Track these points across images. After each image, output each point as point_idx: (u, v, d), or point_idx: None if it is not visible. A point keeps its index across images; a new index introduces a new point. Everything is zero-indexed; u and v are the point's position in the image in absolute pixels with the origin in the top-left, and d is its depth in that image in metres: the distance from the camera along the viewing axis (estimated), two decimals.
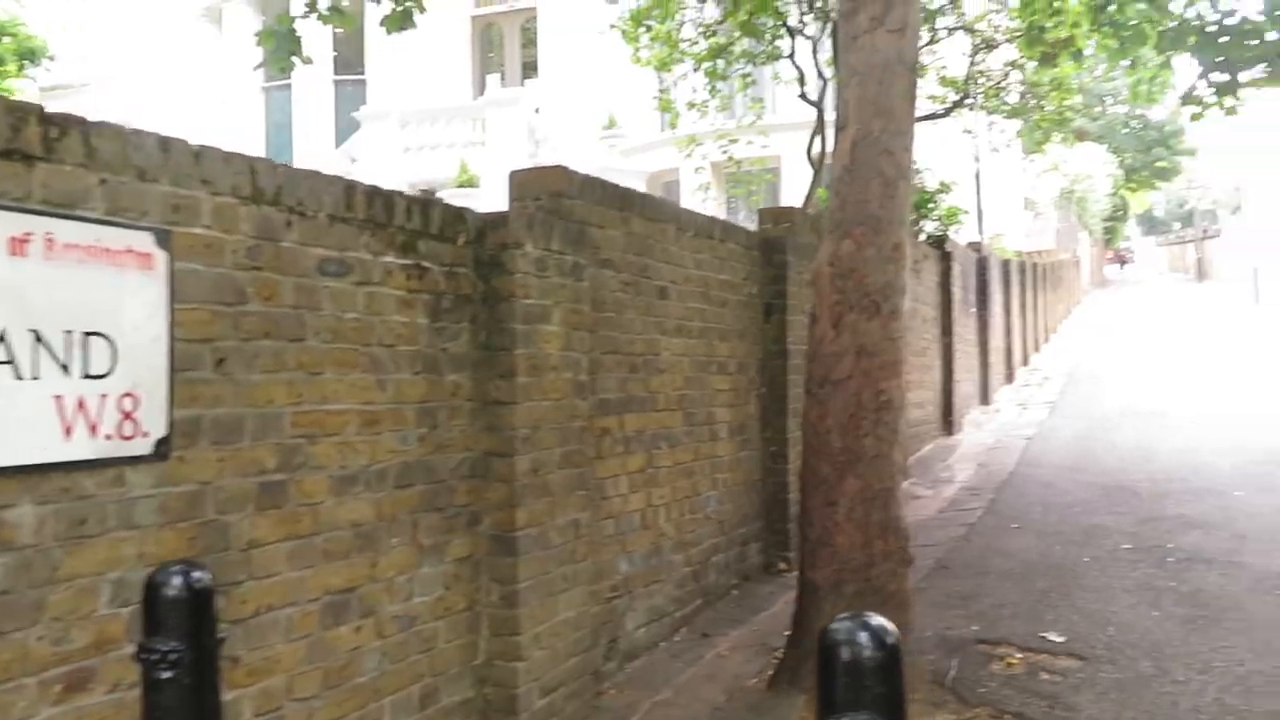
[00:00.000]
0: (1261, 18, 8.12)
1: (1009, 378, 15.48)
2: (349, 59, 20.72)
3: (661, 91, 10.88)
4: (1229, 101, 8.32)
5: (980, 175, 17.83)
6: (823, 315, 4.06)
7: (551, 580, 3.56)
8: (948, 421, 10.65)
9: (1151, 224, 76.13)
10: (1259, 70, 8.12)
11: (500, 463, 3.40)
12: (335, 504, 2.83)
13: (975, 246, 13.18)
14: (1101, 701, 3.70)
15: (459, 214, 3.42)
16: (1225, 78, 8.16)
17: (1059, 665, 4.06)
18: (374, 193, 3.05)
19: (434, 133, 18.33)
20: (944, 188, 10.88)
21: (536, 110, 16.76)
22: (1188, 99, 8.63)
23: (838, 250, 4.04)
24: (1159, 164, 51.69)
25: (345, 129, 20.40)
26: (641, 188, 14.00)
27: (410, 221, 3.16)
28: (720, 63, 10.25)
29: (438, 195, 8.62)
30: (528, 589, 3.41)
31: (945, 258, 10.63)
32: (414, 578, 3.13)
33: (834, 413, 3.94)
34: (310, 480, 2.75)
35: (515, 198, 3.98)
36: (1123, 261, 79.45)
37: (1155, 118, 53.16)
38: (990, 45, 10.61)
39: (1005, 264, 15.68)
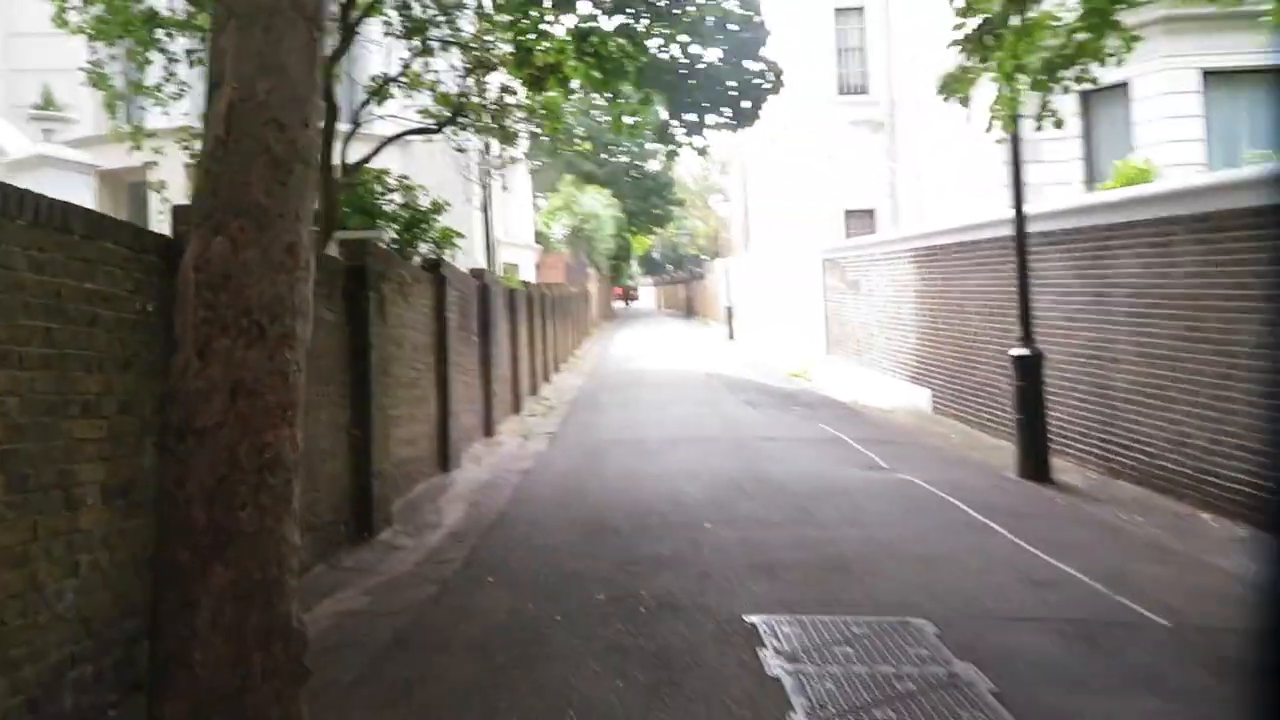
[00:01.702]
0: (722, 65, 8.61)
1: (515, 407, 15.36)
2: None
3: (92, 64, 8.80)
4: (698, 141, 8.69)
5: (489, 204, 17.86)
6: (185, 338, 2.91)
7: None
8: (443, 457, 9.91)
9: (650, 265, 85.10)
10: (723, 114, 8.57)
11: None
12: None
13: (478, 274, 12.75)
14: None
15: None
16: (694, 118, 8.51)
17: None
18: None
19: None
20: (437, 207, 10.24)
21: None
22: (662, 137, 8.88)
23: (206, 250, 2.93)
24: (655, 211, 57.49)
25: None
26: (89, 187, 11.53)
27: None
28: (164, 33, 8.53)
29: None
30: None
31: (440, 282, 9.93)
32: None
33: (197, 475, 2.81)
34: None
35: None
36: (627, 298, 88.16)
37: (651, 169, 59.32)
38: (485, 65, 10.20)
39: (511, 293, 15.59)
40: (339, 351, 6.94)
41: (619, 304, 78.61)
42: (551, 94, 9.45)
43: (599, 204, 44.05)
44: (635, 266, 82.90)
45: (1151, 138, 14.98)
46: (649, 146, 59.66)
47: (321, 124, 3.26)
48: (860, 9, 21.46)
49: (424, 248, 10.07)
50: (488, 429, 12.57)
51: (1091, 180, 16.31)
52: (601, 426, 12.96)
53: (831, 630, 4.79)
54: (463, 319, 11.34)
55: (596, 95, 9.68)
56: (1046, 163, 16.34)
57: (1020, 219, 9.65)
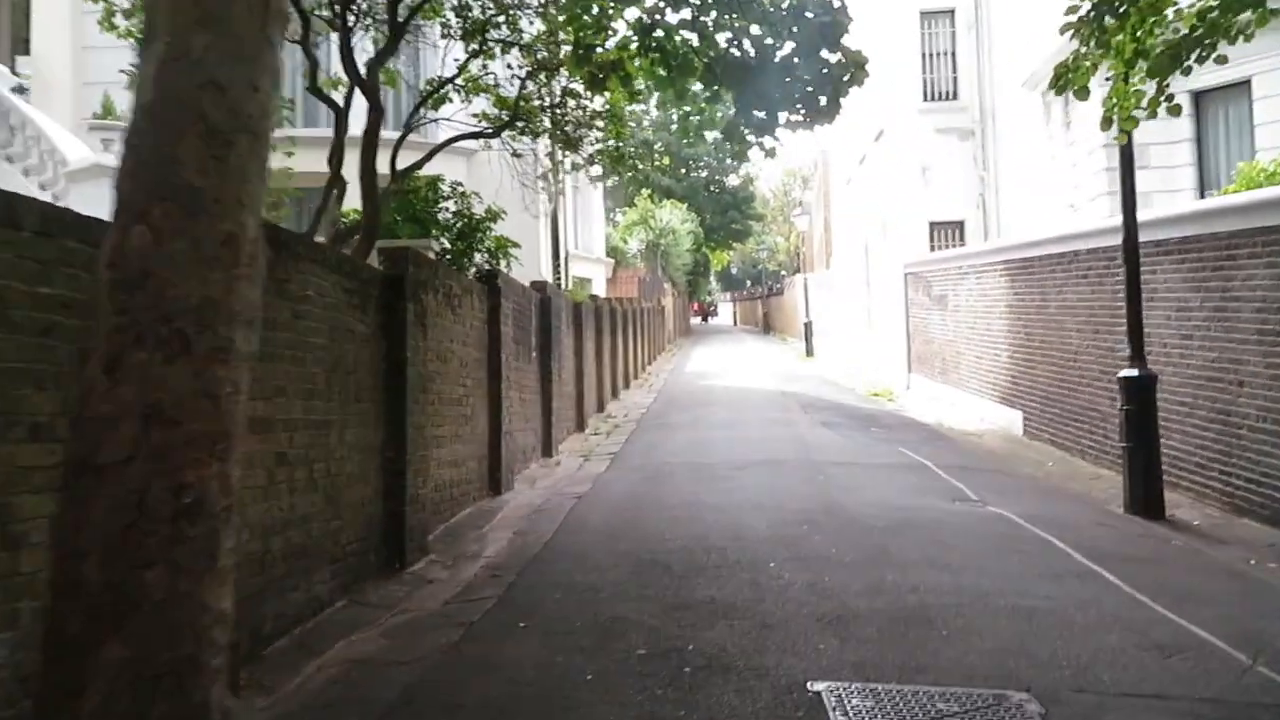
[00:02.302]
0: (797, 57, 7.85)
1: (579, 425, 14.79)
2: None
3: (135, 67, 8.54)
4: (768, 141, 7.96)
5: (557, 214, 17.40)
6: (94, 352, 2.34)
7: None
8: (494, 480, 9.36)
9: (729, 281, 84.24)
10: (797, 112, 7.81)
11: None
12: None
13: (539, 286, 12.23)
14: None
15: None
16: (763, 115, 7.78)
17: None
18: None
19: None
20: (492, 214, 9.72)
21: (21, 89, 13.35)
22: (729, 133, 8.18)
23: (124, 243, 2.35)
24: (734, 226, 56.73)
25: None
26: None
27: None
28: None
29: None
30: None
31: (494, 293, 9.40)
32: None
33: (95, 522, 2.22)
34: None
35: None
36: (705, 314, 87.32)
37: (730, 184, 58.59)
38: (545, 66, 9.66)
39: (577, 306, 15.05)
40: (371, 366, 6.41)
41: (696, 320, 77.92)
42: (614, 93, 8.85)
43: (676, 218, 43.49)
44: (713, 282, 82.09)
45: (1277, 141, 13.68)
46: (728, 161, 58.90)
47: (274, 92, 2.64)
48: (950, 11, 20.42)
49: (479, 258, 9.55)
50: (547, 448, 12.01)
51: (1204, 188, 15.01)
52: (666, 447, 12.27)
53: (912, 704, 4.01)
54: (520, 333, 10.81)
55: (663, 98, 8.98)
56: (1154, 168, 15.13)
57: (1132, 225, 8.67)
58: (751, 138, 7.73)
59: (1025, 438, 13.09)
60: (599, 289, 27.65)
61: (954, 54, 20.56)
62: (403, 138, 8.98)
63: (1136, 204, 8.82)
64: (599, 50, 8.25)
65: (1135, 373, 8.49)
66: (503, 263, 9.89)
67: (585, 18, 8.14)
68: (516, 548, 7.24)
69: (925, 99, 20.69)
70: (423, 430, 7.04)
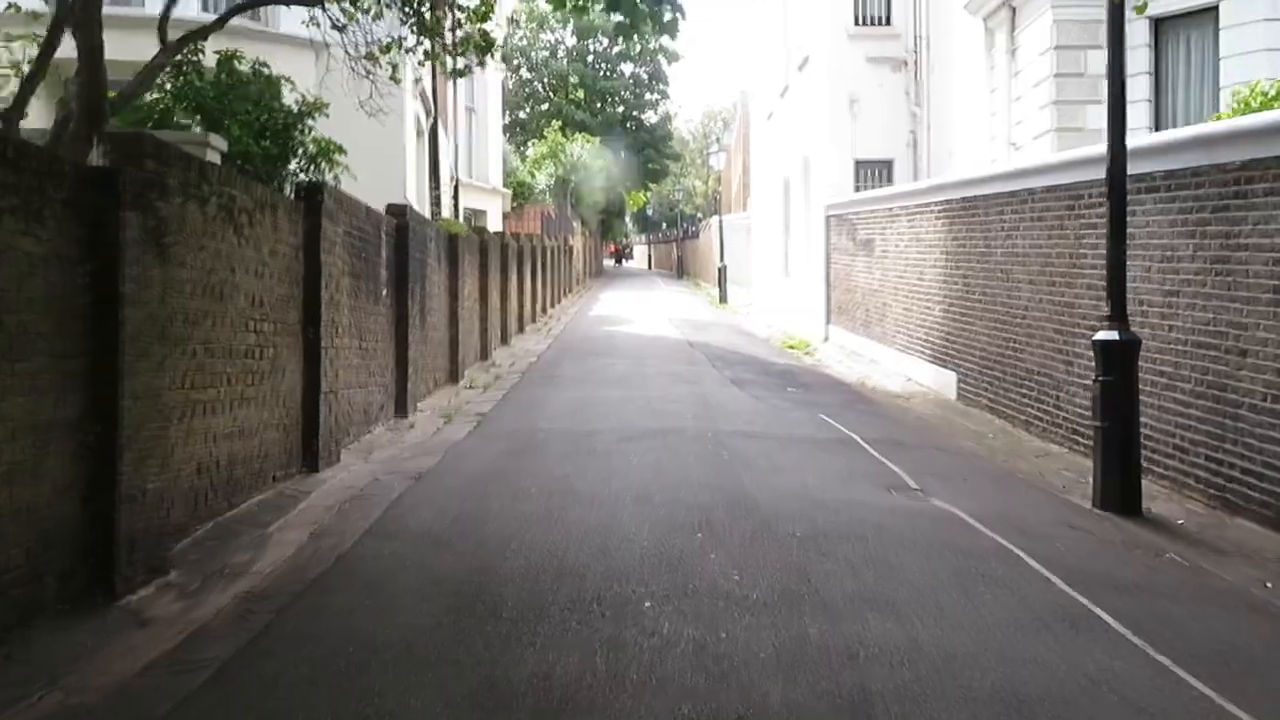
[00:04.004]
0: None
1: (453, 376, 12.71)
2: None
3: None
4: (665, 12, 5.93)
5: (441, 133, 15.03)
6: None
7: None
8: (310, 452, 7.26)
9: (645, 223, 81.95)
10: None
11: None
12: None
13: (396, 211, 10.00)
14: None
15: None
16: None
17: None
18: None
19: None
20: (309, 107, 7.42)
21: None
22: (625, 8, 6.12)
23: None
24: (650, 165, 54.42)
25: None
26: None
27: None
28: None
29: None
30: None
31: (313, 212, 7.20)
32: None
33: None
34: None
35: None
36: (620, 257, 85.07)
37: (648, 121, 56.15)
38: None
39: (454, 239, 12.84)
40: (55, 304, 4.24)
41: (610, 262, 75.60)
42: None
43: (589, 154, 41.02)
44: (629, 224, 79.77)
45: (1245, 76, 12.18)
46: (633, 68, 55.77)
47: None
48: None
49: (297, 166, 7.30)
50: (401, 406, 9.91)
51: (1159, 126, 13.47)
52: (547, 408, 10.31)
53: None
54: (363, 265, 8.63)
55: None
56: (1104, 103, 13.56)
57: (1119, 149, 6.93)
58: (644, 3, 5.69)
59: (960, 403, 11.52)
60: (494, 223, 25.29)
61: None
62: None
63: (1127, 118, 7.09)
64: None
65: (1115, 335, 6.83)
66: (329, 174, 7.69)
67: None
68: (302, 560, 5.21)
69: (856, 24, 18.78)
70: (158, 396, 4.90)
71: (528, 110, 51.22)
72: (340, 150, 7.86)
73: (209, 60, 7.62)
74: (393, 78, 7.70)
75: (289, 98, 7.54)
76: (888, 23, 18.72)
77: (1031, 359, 9.68)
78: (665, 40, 57.78)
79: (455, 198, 19.89)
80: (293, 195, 7.29)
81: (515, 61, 49.50)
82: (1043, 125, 13.76)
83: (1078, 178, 8.81)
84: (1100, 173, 7.96)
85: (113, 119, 5.98)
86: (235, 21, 7.71)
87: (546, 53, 52.88)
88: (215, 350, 5.75)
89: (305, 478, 7.08)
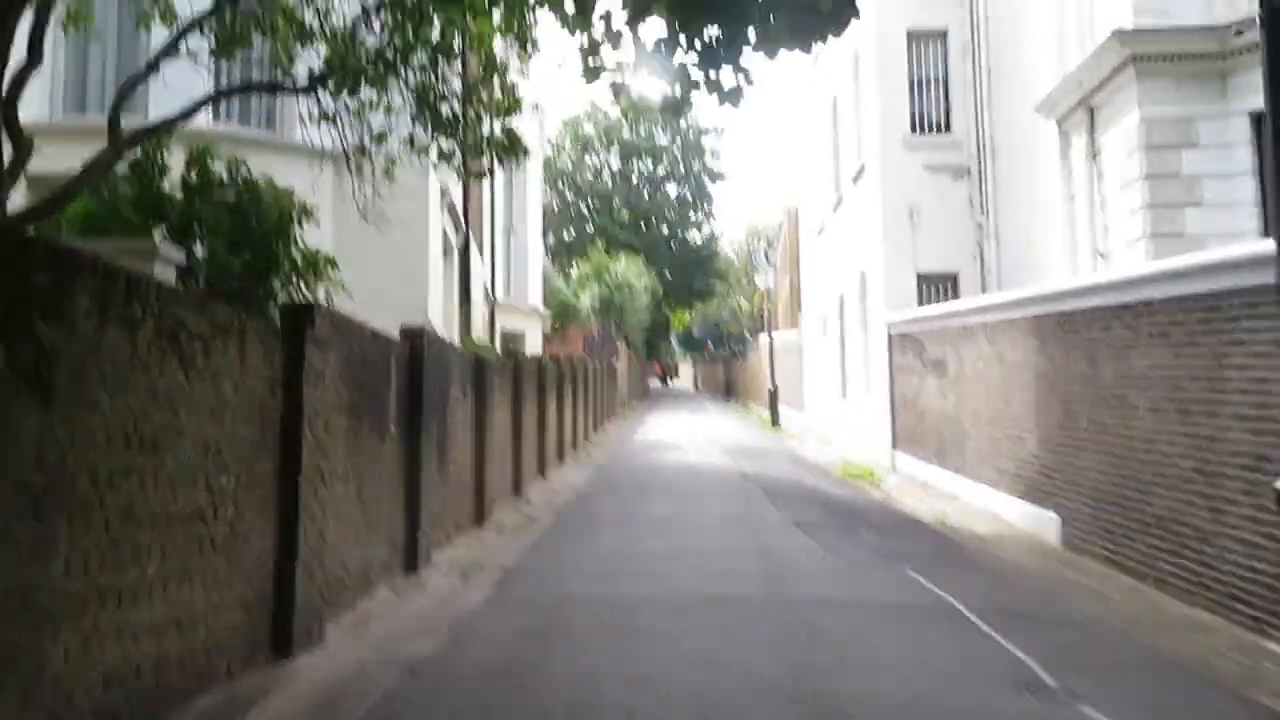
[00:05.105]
0: None
1: (479, 518, 11.27)
2: None
3: None
4: (726, 77, 4.71)
5: (469, 249, 14.08)
6: None
7: None
8: (283, 634, 5.82)
9: (690, 343, 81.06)
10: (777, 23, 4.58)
11: None
12: None
13: (412, 333, 8.80)
14: None
15: None
16: (718, 34, 4.55)
17: None
18: None
19: None
20: (288, 212, 6.21)
21: None
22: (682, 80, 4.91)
23: None
24: (695, 284, 53.81)
25: None
26: None
27: None
28: None
29: None
30: None
31: (295, 338, 5.96)
32: None
33: None
34: None
35: None
36: (666, 376, 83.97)
37: (693, 240, 55.87)
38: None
39: (481, 364, 11.61)
40: None
41: (656, 383, 74.47)
42: (482, 23, 5.57)
43: (633, 273, 40.36)
44: (674, 344, 78.99)
45: None
46: (692, 218, 55.98)
47: None
48: (941, 33, 17.64)
49: (275, 282, 6.11)
50: (410, 560, 8.47)
51: (1267, 232, 12.00)
52: (580, 564, 8.79)
53: None
54: (363, 398, 7.35)
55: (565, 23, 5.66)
56: (1207, 207, 12.18)
57: None
58: (697, 70, 4.48)
59: (1064, 549, 9.79)
60: (534, 345, 24.23)
61: (946, 81, 17.74)
62: (144, 75, 5.57)
63: None
64: None
65: None
66: (319, 288, 6.50)
67: None
68: None
69: (914, 131, 17.78)
70: (30, 593, 3.53)
71: (572, 232, 51.20)
72: (331, 264, 6.69)
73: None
74: (387, 173, 6.62)
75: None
76: (947, 130, 17.71)
77: (1162, 503, 8.02)
78: (709, 159, 58.12)
79: (491, 319, 18.87)
80: (278, 317, 6.08)
81: (560, 185, 49.80)
82: (1135, 231, 12.38)
83: (1213, 286, 7.34)
84: (1249, 279, 6.54)
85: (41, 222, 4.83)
86: (241, 130, 6.77)
87: (591, 176, 53.22)
88: (141, 518, 4.40)
89: (273, 668, 5.61)
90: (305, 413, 6.04)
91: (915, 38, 17.79)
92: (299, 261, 6.33)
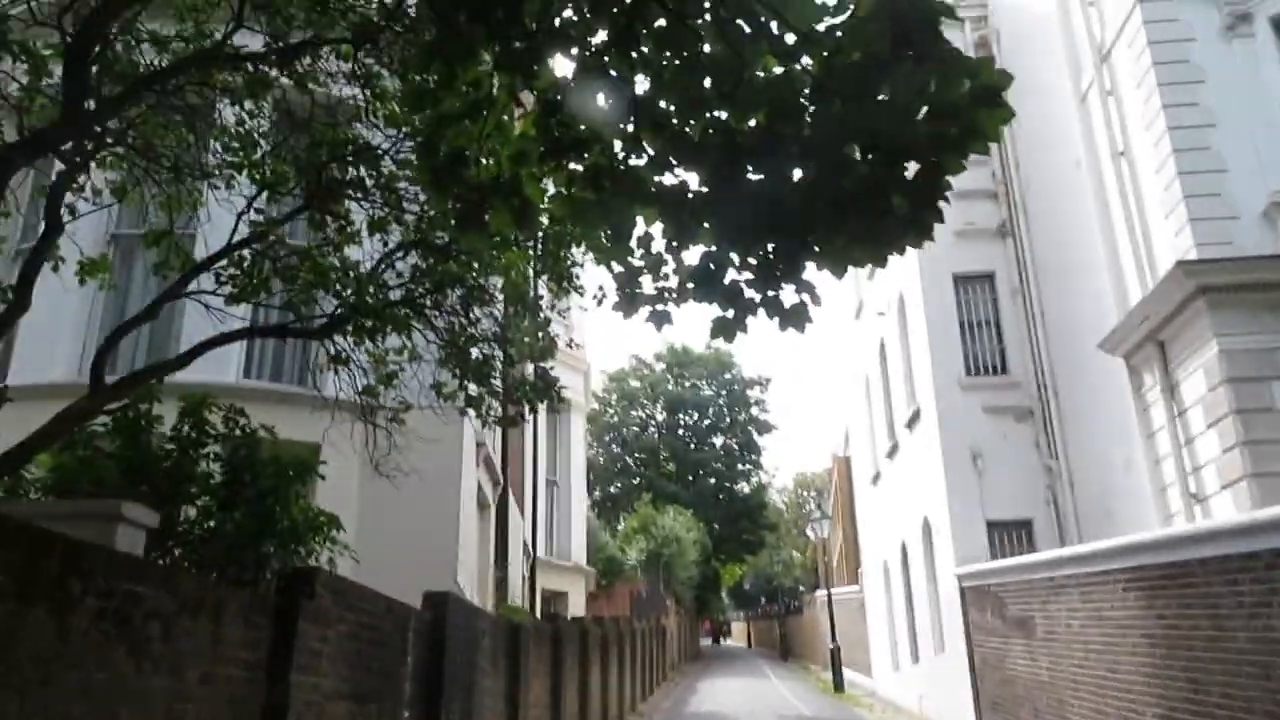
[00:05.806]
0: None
1: None
2: None
3: None
4: (788, 296, 4.04)
5: (506, 504, 13.31)
6: None
7: None
8: None
9: (741, 598, 77.66)
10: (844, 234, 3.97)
11: None
12: None
13: (435, 599, 7.83)
14: None
15: None
16: (772, 248, 3.94)
17: None
18: None
19: None
20: (282, 471, 5.46)
21: None
22: (705, 292, 4.26)
23: None
24: (745, 536, 52.13)
25: None
26: None
27: None
28: None
29: None
30: None
31: (289, 612, 5.06)
32: None
33: None
34: None
35: None
36: (718, 634, 79.69)
37: (741, 491, 54.75)
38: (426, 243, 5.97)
39: (515, 632, 10.47)
40: None
41: (708, 641, 70.67)
42: (508, 256, 5.09)
43: (681, 526, 39.09)
44: (725, 599, 75.72)
45: None
46: (739, 467, 55.31)
47: None
48: (988, 275, 17.47)
49: (277, 548, 5.32)
50: None
51: None
52: None
53: None
54: (370, 680, 6.31)
55: (597, 257, 5.14)
56: None
57: None
58: (752, 289, 3.83)
59: None
60: (576, 604, 22.78)
61: (998, 323, 17.34)
62: (143, 316, 5.09)
63: None
64: (477, 163, 4.48)
65: None
66: (324, 555, 5.67)
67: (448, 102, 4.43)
68: None
69: (968, 374, 17.18)
70: None
71: (618, 486, 50.52)
72: (334, 524, 5.90)
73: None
74: (395, 419, 5.95)
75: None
76: (1003, 371, 17.09)
77: None
78: (755, 409, 58.14)
79: (531, 577, 17.75)
80: (278, 584, 5.22)
81: (606, 438, 49.72)
82: (1234, 471, 11.28)
83: None
84: None
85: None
86: (260, 385, 6.26)
87: (637, 428, 53.23)
88: None
89: None
90: (292, 705, 5.03)
91: (961, 281, 17.62)
92: (299, 522, 5.57)
